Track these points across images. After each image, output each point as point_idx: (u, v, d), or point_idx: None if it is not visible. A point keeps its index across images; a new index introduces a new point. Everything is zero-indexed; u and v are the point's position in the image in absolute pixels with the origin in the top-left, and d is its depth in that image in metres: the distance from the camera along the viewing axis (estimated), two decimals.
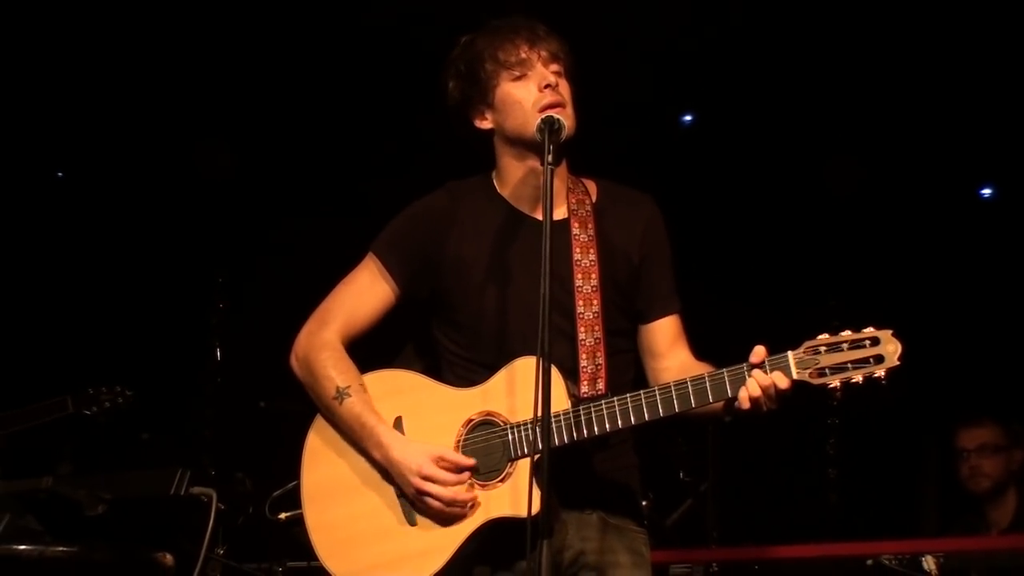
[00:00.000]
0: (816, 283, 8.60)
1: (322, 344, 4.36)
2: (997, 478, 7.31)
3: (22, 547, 5.58)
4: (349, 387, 4.28)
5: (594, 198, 4.40)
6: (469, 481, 4.12)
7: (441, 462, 4.11)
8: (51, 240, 9.04)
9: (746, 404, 3.91)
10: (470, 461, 4.12)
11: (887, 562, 6.06)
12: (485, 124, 4.37)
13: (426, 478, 4.09)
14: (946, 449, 7.66)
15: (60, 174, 9.47)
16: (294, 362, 4.43)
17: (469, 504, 4.10)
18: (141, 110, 8.60)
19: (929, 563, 5.96)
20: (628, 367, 4.34)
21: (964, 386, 8.33)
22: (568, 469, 3.99)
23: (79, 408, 6.71)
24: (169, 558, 5.80)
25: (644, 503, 4.48)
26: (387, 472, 4.21)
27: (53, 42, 8.23)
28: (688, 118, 9.26)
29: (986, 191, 9.31)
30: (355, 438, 4.26)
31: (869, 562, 6.12)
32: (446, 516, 4.11)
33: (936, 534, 7.42)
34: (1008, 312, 8.62)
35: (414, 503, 4.16)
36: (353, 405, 4.25)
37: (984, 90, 8.27)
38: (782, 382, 3.89)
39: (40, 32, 8.17)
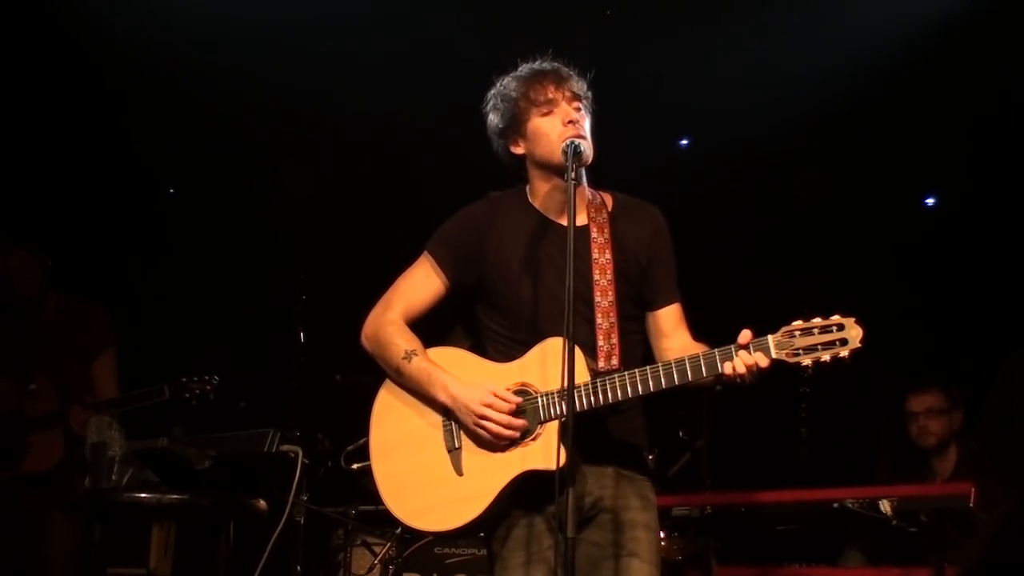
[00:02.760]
0: (793, 279, 8.57)
1: (387, 322, 4.38)
2: (941, 436, 7.28)
3: (144, 495, 5.59)
4: (415, 350, 4.31)
5: (610, 208, 4.40)
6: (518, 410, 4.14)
7: (496, 396, 4.13)
8: (167, 245, 9.07)
9: (729, 372, 3.93)
10: (517, 399, 4.13)
11: (850, 505, 6.04)
12: (519, 150, 4.38)
13: (487, 405, 4.11)
14: (897, 411, 7.62)
15: (172, 191, 9.51)
16: (364, 340, 4.44)
17: (520, 432, 4.11)
18: (239, 137, 8.63)
19: (885, 505, 5.93)
20: (637, 346, 4.35)
21: (911, 360, 8.30)
22: (588, 430, 4.00)
23: (174, 394, 6.72)
24: (263, 504, 5.80)
25: (650, 457, 4.46)
26: (446, 418, 4.24)
27: (177, 88, 8.29)
28: (685, 142, 9.25)
29: (929, 200, 9.27)
30: (422, 388, 4.27)
31: (835, 505, 6.09)
32: (502, 439, 4.12)
33: (890, 482, 7.38)
34: (946, 301, 8.58)
35: (472, 434, 4.17)
36: (420, 361, 4.28)
37: (927, 115, 8.22)
38: (763, 361, 3.92)
39: (159, 76, 8.22)
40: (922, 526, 5.95)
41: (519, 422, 4.12)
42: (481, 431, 4.14)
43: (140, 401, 6.81)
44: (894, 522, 5.94)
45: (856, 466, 8.10)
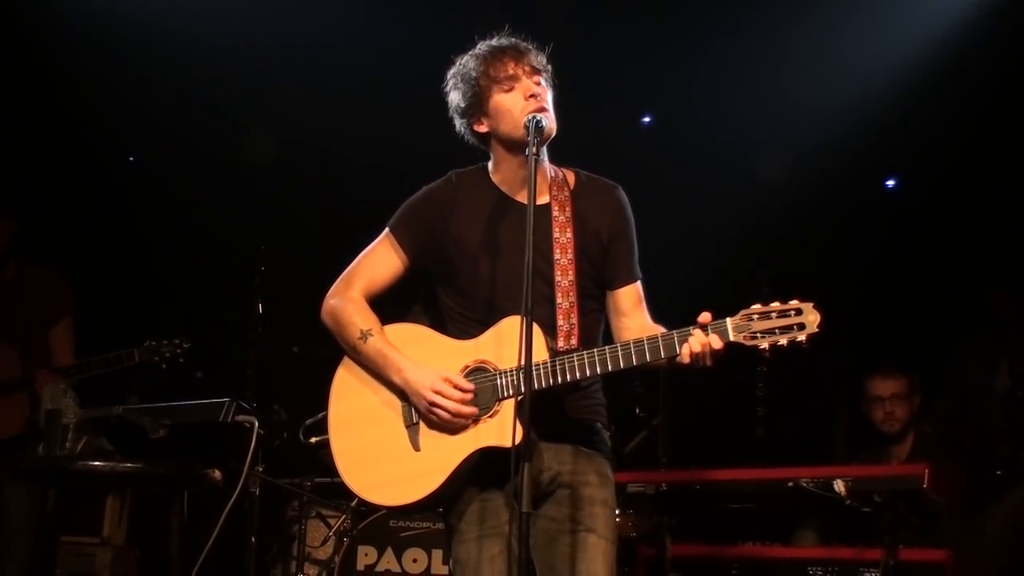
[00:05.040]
0: (754, 260, 8.58)
1: (347, 299, 4.38)
2: (905, 421, 7.29)
3: (97, 463, 5.60)
4: (371, 329, 4.30)
5: (572, 186, 4.39)
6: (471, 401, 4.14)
7: (448, 381, 4.13)
8: (125, 214, 9.01)
9: (687, 359, 3.94)
10: (471, 385, 4.13)
11: (805, 484, 6.06)
12: (482, 128, 4.37)
13: (437, 392, 4.11)
14: (853, 392, 7.65)
15: (132, 158, 9.43)
16: (324, 315, 4.43)
17: (471, 418, 4.12)
18: (201, 104, 8.56)
19: (840, 485, 5.96)
20: (597, 324, 4.36)
21: (869, 341, 8.33)
22: (547, 407, 4.02)
23: (144, 358, 6.69)
24: (218, 473, 5.80)
25: (608, 434, 4.47)
26: (403, 397, 4.24)
27: (129, 52, 8.22)
28: (647, 119, 9.22)
29: (890, 182, 9.29)
30: (378, 369, 4.28)
31: (790, 484, 6.12)
32: (453, 426, 4.13)
33: (845, 462, 7.41)
34: (904, 283, 8.62)
35: (426, 416, 4.17)
36: (375, 342, 4.28)
37: (888, 94, 8.24)
38: (716, 343, 3.92)
39: (116, 41, 8.15)
40: (875, 506, 5.98)
41: (469, 409, 4.12)
42: (432, 416, 4.16)
43: (109, 365, 6.78)
44: (848, 502, 5.97)
45: (811, 446, 8.14)
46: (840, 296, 7.85)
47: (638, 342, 4.01)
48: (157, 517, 6.15)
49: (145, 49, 8.21)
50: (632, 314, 4.36)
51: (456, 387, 4.13)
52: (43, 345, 7.04)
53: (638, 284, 4.40)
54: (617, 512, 4.74)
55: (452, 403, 4.11)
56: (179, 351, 6.70)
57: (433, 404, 4.13)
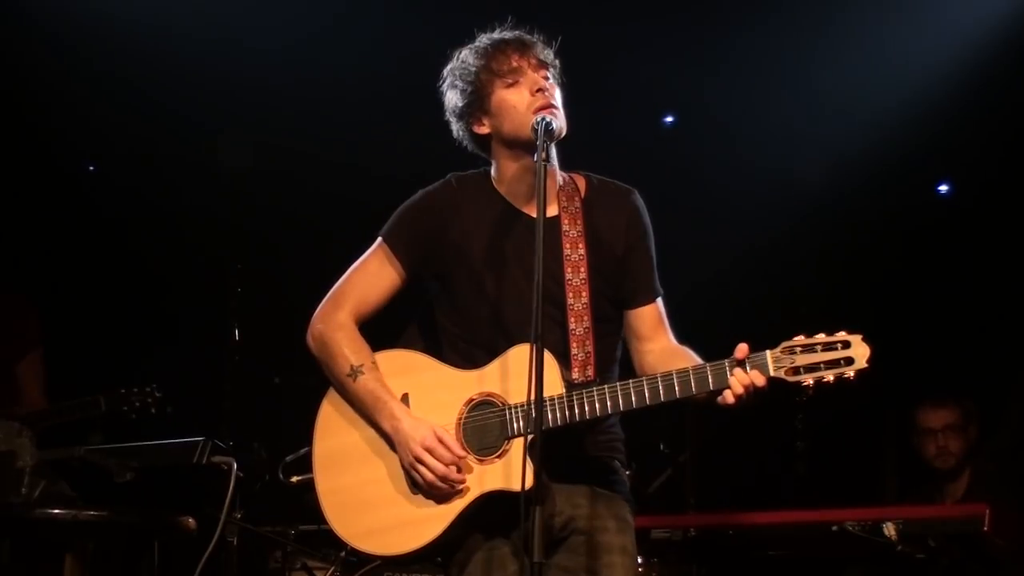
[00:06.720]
0: (791, 277, 8.60)
1: (337, 325, 4.38)
2: (960, 455, 7.31)
3: (57, 511, 5.60)
4: (362, 365, 4.31)
5: (583, 193, 4.41)
6: (465, 461, 4.14)
7: (441, 442, 4.13)
8: (85, 230, 9.01)
9: (730, 400, 3.94)
10: (462, 453, 4.13)
11: (851, 528, 6.07)
12: (483, 130, 4.38)
13: (428, 449, 4.11)
14: (903, 425, 7.66)
15: (91, 168, 9.45)
16: (310, 341, 4.44)
17: (458, 484, 4.12)
18: (166, 107, 8.57)
19: (889, 529, 5.97)
20: (614, 349, 4.38)
21: (920, 366, 8.33)
22: (560, 446, 4.02)
23: (111, 407, 6.70)
24: (192, 522, 5.81)
25: (627, 472, 4.48)
26: (393, 443, 4.23)
27: (85, 46, 8.22)
28: (670, 119, 9.23)
29: (943, 187, 9.27)
30: (367, 411, 4.28)
31: (834, 528, 6.13)
32: (435, 490, 4.14)
33: (895, 502, 7.42)
34: (959, 299, 8.61)
35: (408, 473, 4.18)
36: (367, 382, 4.28)
37: (938, 93, 8.27)
38: (759, 380, 3.93)
39: (72, 36, 8.17)
40: (930, 552, 5.99)
41: (456, 477, 4.12)
42: (415, 474, 4.16)
43: (72, 415, 6.79)
44: (899, 547, 5.98)
45: (858, 485, 8.14)
46: (888, 315, 7.87)
47: (666, 376, 4.01)
48: (124, 571, 6.17)
49: (103, 45, 8.21)
50: (654, 336, 4.37)
51: (449, 449, 4.14)
52: (9, 383, 7.05)
53: (659, 302, 4.42)
54: (639, 561, 4.75)
55: (440, 466, 4.11)
56: (151, 400, 6.71)
57: (418, 460, 4.13)
